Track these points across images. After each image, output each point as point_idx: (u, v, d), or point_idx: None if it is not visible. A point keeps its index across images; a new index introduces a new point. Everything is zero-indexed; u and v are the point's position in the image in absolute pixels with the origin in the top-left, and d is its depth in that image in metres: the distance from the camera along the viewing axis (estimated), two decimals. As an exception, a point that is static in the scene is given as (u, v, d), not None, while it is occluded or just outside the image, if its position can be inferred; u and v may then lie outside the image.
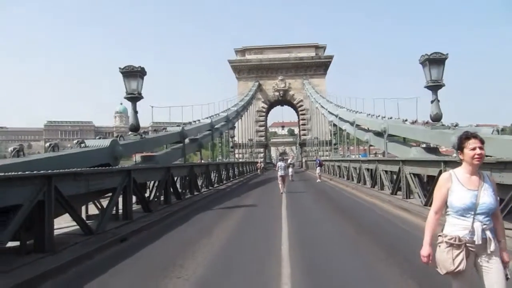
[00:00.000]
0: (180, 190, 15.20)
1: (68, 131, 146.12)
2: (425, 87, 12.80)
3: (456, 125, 11.86)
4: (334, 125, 34.37)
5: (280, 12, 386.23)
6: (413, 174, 12.11)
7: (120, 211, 10.02)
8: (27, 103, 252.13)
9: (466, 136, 3.00)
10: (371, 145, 21.18)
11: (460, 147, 3.02)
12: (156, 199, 12.43)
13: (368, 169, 19.04)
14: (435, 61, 12.41)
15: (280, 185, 18.50)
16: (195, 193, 17.19)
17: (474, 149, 2.92)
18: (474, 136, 2.98)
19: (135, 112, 13.45)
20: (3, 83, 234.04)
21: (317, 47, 63.02)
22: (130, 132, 13.38)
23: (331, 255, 6.70)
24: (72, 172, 7.49)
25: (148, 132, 14.96)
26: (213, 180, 21.99)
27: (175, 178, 14.90)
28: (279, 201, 15.17)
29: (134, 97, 13.11)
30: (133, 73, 12.99)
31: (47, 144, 8.66)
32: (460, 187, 2.95)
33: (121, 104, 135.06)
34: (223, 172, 25.78)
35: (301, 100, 59.90)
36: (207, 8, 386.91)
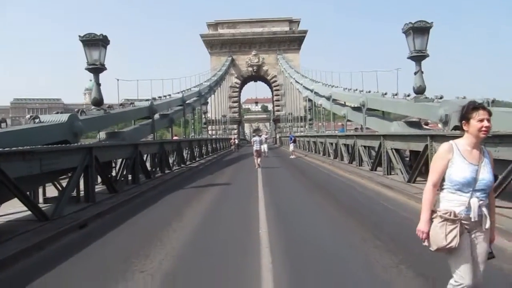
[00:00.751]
0: (149, 169, 14.33)
1: (36, 109, 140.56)
2: (408, 57, 12.07)
3: (441, 98, 11.30)
4: (309, 100, 33.76)
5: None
6: (395, 149, 11.62)
7: (82, 193, 9.13)
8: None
9: (474, 107, 2.76)
10: (348, 120, 20.62)
11: (466, 117, 2.77)
12: (122, 179, 11.52)
13: (345, 145, 18.59)
14: (420, 29, 11.67)
15: (255, 160, 19.12)
16: (166, 171, 16.33)
17: (482, 120, 2.71)
18: (483, 107, 2.76)
19: (98, 84, 12.28)
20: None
21: (291, 22, 61.97)
22: (92, 107, 12.27)
23: (313, 237, 6.16)
24: (19, 151, 6.53)
25: (113, 107, 13.83)
26: (185, 158, 21.14)
27: (145, 156, 13.99)
28: (255, 178, 14.61)
29: (96, 68, 11.93)
30: (94, 42, 11.74)
31: (-7, 119, 7.59)
32: (461, 160, 2.75)
33: (91, 80, 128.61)
34: (196, 149, 24.93)
35: (275, 76, 59.12)
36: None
